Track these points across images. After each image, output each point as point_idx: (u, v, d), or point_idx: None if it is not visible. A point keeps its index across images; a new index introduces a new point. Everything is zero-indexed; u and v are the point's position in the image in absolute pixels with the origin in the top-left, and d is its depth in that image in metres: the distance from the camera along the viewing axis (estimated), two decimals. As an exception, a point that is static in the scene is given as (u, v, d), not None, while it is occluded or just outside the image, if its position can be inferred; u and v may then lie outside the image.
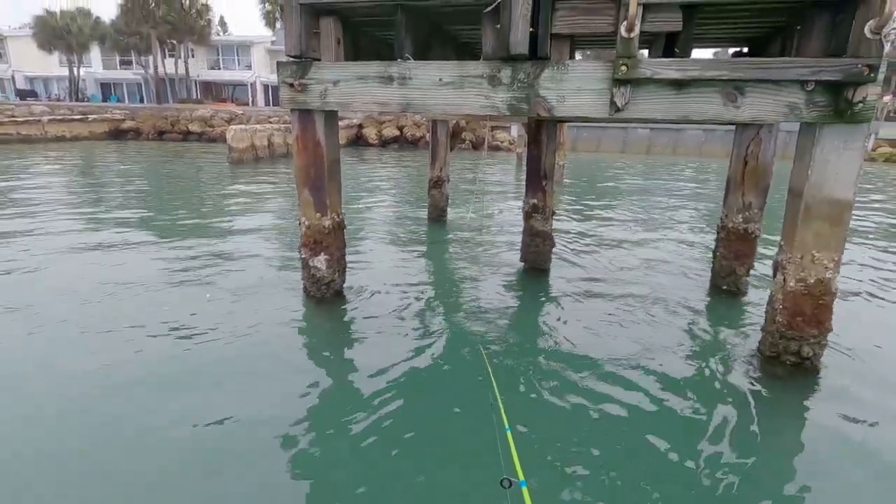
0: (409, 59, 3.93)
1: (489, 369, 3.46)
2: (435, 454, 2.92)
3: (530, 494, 1.89)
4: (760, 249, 5.74)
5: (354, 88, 4.03)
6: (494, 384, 3.08)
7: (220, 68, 44.05)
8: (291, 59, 4.20)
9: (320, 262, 4.72)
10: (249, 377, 3.67)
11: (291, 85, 4.18)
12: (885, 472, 2.87)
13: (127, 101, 41.24)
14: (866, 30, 2.89)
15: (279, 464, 2.79)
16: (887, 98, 20.48)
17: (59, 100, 39.35)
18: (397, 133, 27.62)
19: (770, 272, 3.96)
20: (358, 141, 27.55)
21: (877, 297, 5.58)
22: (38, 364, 3.76)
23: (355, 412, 3.26)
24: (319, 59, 4.22)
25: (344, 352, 4.16)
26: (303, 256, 4.79)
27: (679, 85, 3.29)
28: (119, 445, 2.90)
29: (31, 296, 4.97)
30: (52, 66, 42.37)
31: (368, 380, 3.65)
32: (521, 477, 2.01)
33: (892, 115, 24.05)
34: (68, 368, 3.69)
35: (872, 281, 6.08)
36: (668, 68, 3.23)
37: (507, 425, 2.44)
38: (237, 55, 43.61)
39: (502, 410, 2.64)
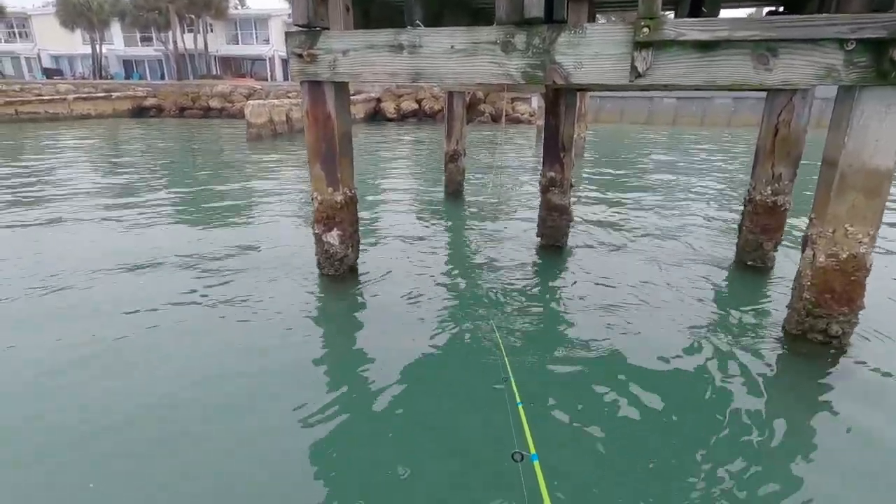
0: (419, 25, 3.78)
1: (501, 345, 3.43)
2: (446, 429, 2.91)
3: (542, 468, 1.86)
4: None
5: (364, 58, 3.91)
6: (507, 359, 3.04)
7: (238, 43, 43.75)
8: (300, 28, 4.09)
9: (333, 237, 4.70)
10: (262, 352, 3.70)
11: (300, 56, 4.08)
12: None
13: (149, 77, 41.51)
14: (917, -20, 2.64)
15: (289, 440, 2.81)
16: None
17: (83, 78, 39.87)
18: (416, 107, 27.19)
19: (798, 247, 3.77)
20: (376, 115, 27.25)
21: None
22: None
23: (368, 386, 3.28)
24: (329, 28, 4.10)
25: (357, 328, 4.16)
26: (316, 232, 4.77)
27: (705, 47, 3.08)
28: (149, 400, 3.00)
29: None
30: (75, 44, 42.82)
31: (381, 355, 3.65)
32: (533, 451, 1.98)
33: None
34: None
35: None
36: (694, 29, 3.03)
37: (518, 400, 2.41)
38: (255, 29, 43.20)
39: (514, 385, 2.60)
